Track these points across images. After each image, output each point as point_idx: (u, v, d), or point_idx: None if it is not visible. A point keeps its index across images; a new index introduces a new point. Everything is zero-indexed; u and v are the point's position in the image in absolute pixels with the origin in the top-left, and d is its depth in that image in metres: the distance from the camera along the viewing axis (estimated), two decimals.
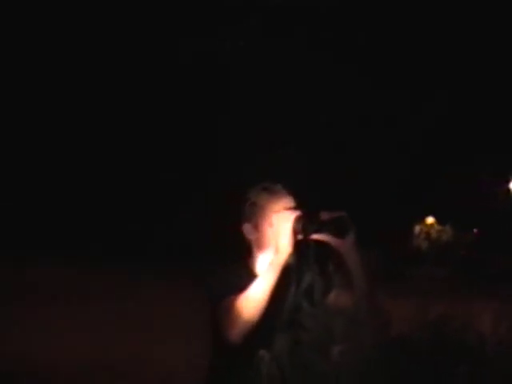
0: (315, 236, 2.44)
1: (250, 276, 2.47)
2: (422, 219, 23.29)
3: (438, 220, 23.13)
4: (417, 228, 23.13)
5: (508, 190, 23.55)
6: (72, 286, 13.10)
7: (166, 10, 19.34)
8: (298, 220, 2.42)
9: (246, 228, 2.56)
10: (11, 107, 20.49)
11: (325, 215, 2.43)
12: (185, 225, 19.74)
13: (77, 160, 20.84)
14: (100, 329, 9.22)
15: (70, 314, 10.17)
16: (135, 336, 8.78)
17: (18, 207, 20.26)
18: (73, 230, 19.59)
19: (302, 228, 2.42)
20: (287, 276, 2.44)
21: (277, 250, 2.43)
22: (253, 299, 2.40)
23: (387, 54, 18.96)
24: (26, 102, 20.62)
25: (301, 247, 2.47)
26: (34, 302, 10.96)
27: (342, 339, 2.49)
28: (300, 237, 2.43)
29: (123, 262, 16.50)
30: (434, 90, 19.60)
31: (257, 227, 2.55)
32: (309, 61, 18.57)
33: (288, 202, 2.54)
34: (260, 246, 2.54)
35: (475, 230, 23.19)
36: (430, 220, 23.24)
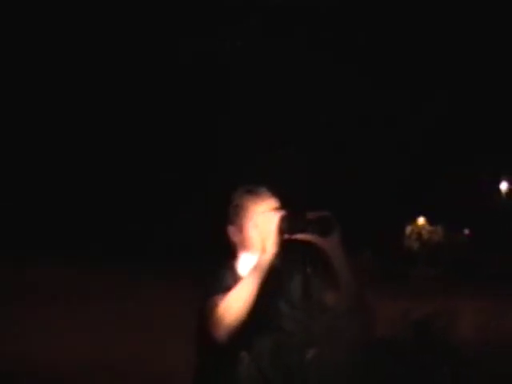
0: (300, 236, 2.45)
1: (235, 277, 2.48)
2: (413, 220, 23.27)
3: (430, 221, 23.11)
4: (408, 228, 23.10)
5: (499, 190, 23.50)
6: (72, 286, 13.10)
7: (166, 10, 19.34)
8: (283, 220, 2.42)
9: (231, 230, 2.57)
10: (11, 107, 20.49)
11: (310, 215, 2.43)
12: (185, 225, 19.74)
13: (77, 160, 20.84)
14: (100, 329, 9.22)
15: (70, 314, 10.17)
16: (135, 336, 8.78)
17: (18, 207, 20.25)
18: (73, 230, 19.59)
19: (288, 228, 2.42)
20: (272, 277, 2.45)
21: (262, 251, 2.43)
22: (239, 299, 2.41)
23: (387, 53, 18.96)
24: (26, 103, 20.62)
25: (286, 247, 2.47)
26: (34, 302, 10.96)
27: (320, 342, 2.50)
28: (285, 237, 2.43)
29: (123, 262, 16.50)
30: (434, 89, 19.61)
31: (241, 229, 2.55)
32: (309, 61, 18.57)
33: (272, 203, 2.54)
34: (244, 248, 2.54)
35: (466, 231, 23.18)
36: (421, 221, 23.22)
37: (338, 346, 2.52)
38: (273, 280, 2.45)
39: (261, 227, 2.46)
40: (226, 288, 2.38)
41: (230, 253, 2.55)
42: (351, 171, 19.39)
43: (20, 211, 20.19)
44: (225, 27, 19.20)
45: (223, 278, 2.46)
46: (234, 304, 2.37)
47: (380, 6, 18.77)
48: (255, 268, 2.40)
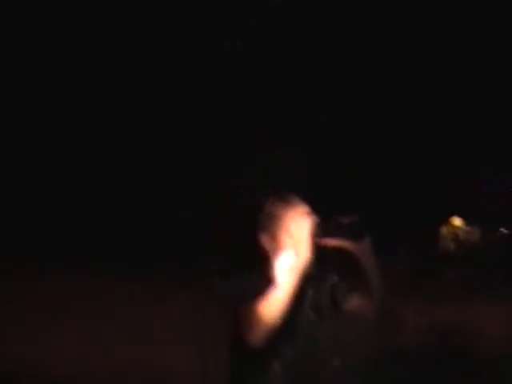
0: (332, 241, 2.45)
1: (267, 283, 2.49)
2: (447, 220, 22.82)
3: (466, 221, 22.68)
4: (444, 229, 22.68)
5: None
6: (71, 285, 13.09)
7: (166, 10, 19.32)
8: (315, 225, 2.44)
9: (263, 238, 2.57)
10: (11, 107, 20.48)
11: (341, 220, 2.45)
12: (185, 225, 19.72)
13: (76, 160, 20.82)
14: (100, 329, 9.23)
15: (70, 314, 10.16)
16: (135, 336, 8.78)
17: (17, 207, 20.24)
18: (72, 230, 19.57)
19: (320, 233, 2.43)
20: (305, 282, 2.46)
21: (296, 256, 2.44)
22: (275, 304, 2.43)
23: (387, 53, 18.94)
24: (26, 102, 20.61)
25: (318, 253, 2.48)
26: (34, 302, 10.96)
27: (346, 350, 2.50)
28: (318, 241, 2.44)
29: (123, 262, 16.50)
30: (434, 89, 19.59)
31: (273, 237, 2.56)
32: (309, 61, 18.56)
33: (303, 209, 2.56)
34: (277, 255, 2.55)
35: (504, 230, 22.61)
36: (457, 221, 22.82)
37: (364, 354, 2.52)
38: (307, 284, 2.46)
39: (293, 233, 2.48)
40: (260, 293, 2.38)
41: (261, 259, 2.55)
42: (351, 171, 19.38)
43: (19, 211, 20.17)
44: (225, 27, 19.18)
45: (256, 283, 2.47)
46: (270, 309, 2.38)
47: (380, 5, 18.75)
48: (289, 273, 2.41)
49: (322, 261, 2.53)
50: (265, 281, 2.48)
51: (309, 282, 2.50)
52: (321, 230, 2.47)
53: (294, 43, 18.56)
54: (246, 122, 18.97)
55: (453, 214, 22.45)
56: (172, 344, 7.89)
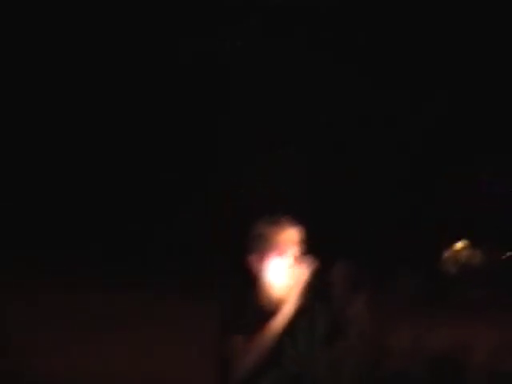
0: (325, 286, 2.48)
1: (256, 313, 2.51)
2: (450, 244, 22.64)
3: (468, 243, 22.52)
4: (446, 253, 22.58)
5: None
6: (71, 286, 13.10)
7: (166, 10, 19.34)
8: (311, 274, 2.47)
9: (252, 259, 2.58)
10: (11, 107, 20.50)
11: (336, 269, 2.48)
12: (185, 225, 19.74)
13: (76, 160, 20.84)
14: (99, 328, 9.23)
15: (69, 314, 10.17)
16: (135, 336, 8.78)
17: (17, 207, 20.25)
18: (72, 231, 19.58)
19: (316, 282, 2.47)
20: (295, 320, 2.48)
21: (286, 302, 2.48)
22: (260, 346, 2.45)
23: (387, 53, 18.96)
24: (26, 103, 20.62)
25: (309, 295, 2.51)
26: (34, 302, 10.97)
27: (321, 381, 2.53)
28: (312, 288, 2.47)
29: (123, 262, 16.51)
30: (434, 89, 19.61)
31: (263, 259, 2.57)
32: (309, 61, 18.57)
33: (293, 233, 2.56)
34: (266, 276, 2.56)
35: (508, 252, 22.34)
36: (460, 245, 22.71)
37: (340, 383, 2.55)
38: (297, 322, 2.48)
39: (290, 278, 2.50)
40: (249, 327, 2.40)
41: (250, 282, 2.56)
42: (351, 171, 19.39)
43: (19, 211, 20.18)
44: (225, 27, 19.19)
45: (245, 314, 2.48)
46: (256, 350, 2.40)
47: (380, 5, 18.77)
48: (282, 313, 2.44)
49: (308, 293, 2.57)
50: (255, 310, 2.52)
51: (299, 313, 2.53)
52: (316, 278, 2.52)
53: (294, 43, 18.58)
54: (246, 121, 18.99)
55: (459, 239, 22.27)
56: (172, 344, 7.92)
